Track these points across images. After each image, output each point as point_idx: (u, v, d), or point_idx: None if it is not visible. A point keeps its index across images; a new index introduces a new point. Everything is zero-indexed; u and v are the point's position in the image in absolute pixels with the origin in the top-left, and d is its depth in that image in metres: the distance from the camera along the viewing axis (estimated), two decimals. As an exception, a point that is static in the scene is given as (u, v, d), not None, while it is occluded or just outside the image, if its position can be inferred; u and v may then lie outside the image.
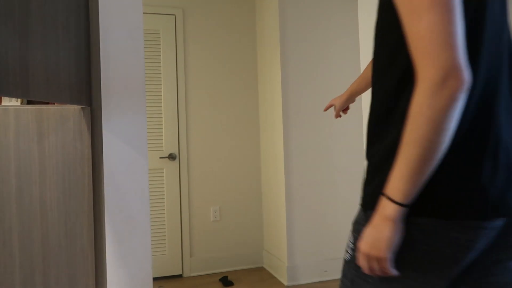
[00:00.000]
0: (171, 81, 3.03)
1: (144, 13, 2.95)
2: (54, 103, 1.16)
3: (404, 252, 0.73)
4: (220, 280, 2.77)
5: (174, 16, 3.04)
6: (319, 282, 2.74)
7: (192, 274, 2.97)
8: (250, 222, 3.14)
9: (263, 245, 3.16)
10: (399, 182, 0.68)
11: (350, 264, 0.82)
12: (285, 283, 2.71)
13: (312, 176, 2.80)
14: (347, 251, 0.85)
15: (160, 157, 2.98)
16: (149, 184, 2.92)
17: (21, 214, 1.07)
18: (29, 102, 1.20)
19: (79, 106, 1.13)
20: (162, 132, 2.99)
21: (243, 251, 3.08)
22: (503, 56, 0.73)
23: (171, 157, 2.99)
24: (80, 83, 1.06)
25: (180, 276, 2.97)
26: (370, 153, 0.78)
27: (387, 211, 0.70)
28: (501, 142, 0.71)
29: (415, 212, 0.71)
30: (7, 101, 1.19)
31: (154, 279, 2.90)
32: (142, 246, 1.16)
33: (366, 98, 1.63)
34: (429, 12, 0.62)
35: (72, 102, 1.01)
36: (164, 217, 2.96)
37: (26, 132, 1.08)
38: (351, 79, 2.90)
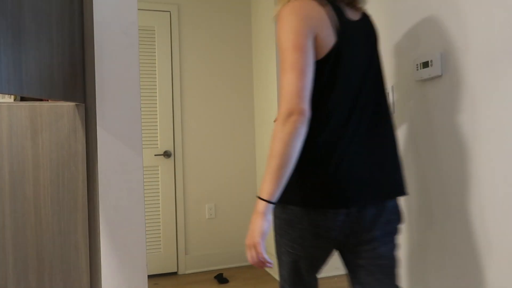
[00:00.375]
0: (166, 78, 3.02)
1: (138, 9, 2.93)
2: (48, 100, 1.15)
3: (290, 230, 1.07)
4: (215, 277, 2.77)
5: (169, 12, 3.02)
6: (314, 279, 2.75)
7: (187, 272, 2.97)
8: (245, 220, 3.14)
9: (258, 242, 3.17)
10: (265, 185, 0.97)
11: (278, 257, 1.17)
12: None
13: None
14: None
15: (155, 155, 2.97)
16: (144, 182, 2.91)
17: (14, 211, 1.06)
18: (23, 99, 1.19)
19: (73, 103, 1.12)
20: (157, 129, 2.98)
21: (238, 248, 3.08)
22: (360, 99, 1.05)
23: (166, 154, 2.98)
24: (74, 80, 1.06)
25: (175, 273, 2.97)
26: None
27: (258, 207, 0.97)
28: (344, 158, 1.02)
29: (289, 201, 1.05)
30: (0, 98, 1.18)
31: (149, 276, 2.90)
32: (137, 244, 1.15)
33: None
34: (288, 73, 0.98)
35: (66, 99, 1.00)
36: (159, 214, 2.96)
37: (20, 129, 1.07)
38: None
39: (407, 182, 1.38)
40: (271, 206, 0.96)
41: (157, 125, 2.98)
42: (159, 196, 2.97)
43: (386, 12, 1.47)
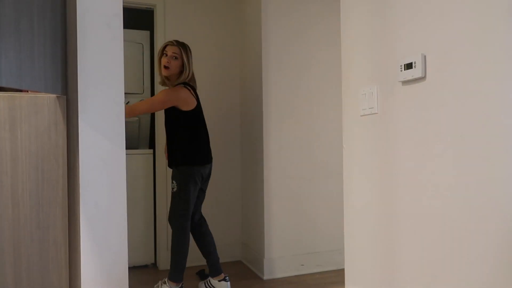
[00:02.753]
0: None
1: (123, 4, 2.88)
2: (27, 91, 1.12)
3: (184, 177, 2.33)
4: (197, 273, 2.76)
5: (154, 6, 2.98)
6: (296, 275, 2.77)
7: (169, 267, 2.95)
8: (229, 216, 3.14)
9: (241, 239, 3.17)
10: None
11: (176, 193, 2.35)
12: (263, 276, 2.73)
13: (291, 170, 2.82)
14: (172, 188, 2.36)
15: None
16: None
17: (-9, 204, 1.04)
18: (1, 89, 1.16)
19: (54, 95, 1.10)
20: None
21: (221, 244, 3.08)
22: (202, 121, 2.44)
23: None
24: (55, 71, 1.03)
25: (154, 265, 2.95)
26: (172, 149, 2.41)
27: None
28: (205, 144, 2.43)
29: (184, 163, 2.34)
30: (-22, 88, 1.15)
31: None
32: (118, 238, 1.14)
33: (346, 97, 1.66)
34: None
35: (46, 90, 0.98)
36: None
37: (-2, 120, 1.05)
38: (331, 74, 2.92)
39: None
40: None
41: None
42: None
43: (373, 13, 1.49)
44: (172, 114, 2.34)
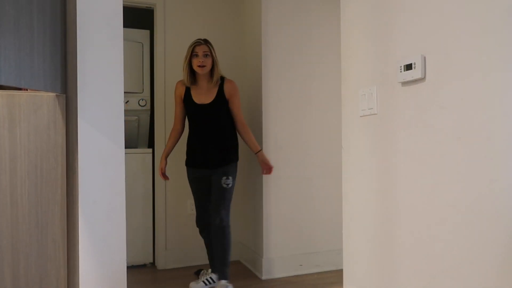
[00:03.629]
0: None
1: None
2: (26, 89, 1.12)
3: (236, 173, 2.45)
4: (195, 273, 2.76)
5: (154, 6, 2.98)
6: (294, 276, 2.77)
7: (168, 267, 2.95)
8: (228, 216, 3.14)
9: (239, 238, 3.17)
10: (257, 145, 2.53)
11: (230, 189, 2.39)
12: (261, 276, 2.73)
13: (290, 171, 2.82)
14: (227, 184, 2.37)
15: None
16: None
17: (-11, 203, 1.03)
18: (0, 88, 1.16)
19: (54, 94, 1.09)
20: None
21: (220, 244, 3.07)
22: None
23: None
24: (55, 70, 1.03)
25: (152, 264, 2.95)
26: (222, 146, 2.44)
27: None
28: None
29: (236, 159, 2.48)
30: (-23, 86, 1.14)
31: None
32: (117, 237, 1.14)
33: (345, 98, 1.66)
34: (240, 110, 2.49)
35: (46, 89, 0.98)
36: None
37: (-3, 118, 1.04)
38: (331, 75, 2.92)
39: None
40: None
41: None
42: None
43: (373, 14, 1.49)
44: (224, 108, 2.40)
